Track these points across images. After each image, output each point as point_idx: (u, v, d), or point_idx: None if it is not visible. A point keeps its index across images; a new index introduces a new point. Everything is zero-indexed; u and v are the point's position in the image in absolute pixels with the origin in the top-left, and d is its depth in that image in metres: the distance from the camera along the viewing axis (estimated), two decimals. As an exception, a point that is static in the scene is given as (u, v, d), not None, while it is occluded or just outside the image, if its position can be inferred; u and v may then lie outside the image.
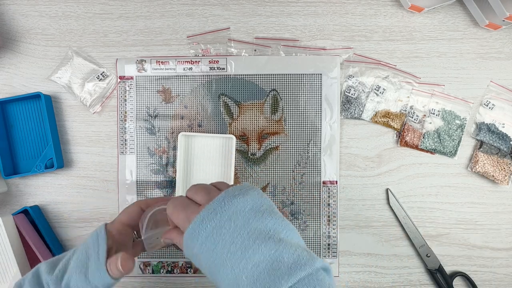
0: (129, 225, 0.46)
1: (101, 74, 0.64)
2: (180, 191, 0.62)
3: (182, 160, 0.62)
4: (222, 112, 0.64)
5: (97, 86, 0.64)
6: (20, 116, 0.65)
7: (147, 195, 0.65)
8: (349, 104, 0.64)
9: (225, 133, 0.64)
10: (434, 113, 0.64)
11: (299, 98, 0.64)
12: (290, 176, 0.64)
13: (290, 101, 0.64)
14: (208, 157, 0.64)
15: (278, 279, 0.30)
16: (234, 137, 0.61)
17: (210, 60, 0.64)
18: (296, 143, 0.64)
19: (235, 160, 0.63)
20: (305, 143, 0.64)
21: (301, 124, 0.64)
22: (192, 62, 0.64)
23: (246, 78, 0.64)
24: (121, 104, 0.65)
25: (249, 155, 0.64)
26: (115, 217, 0.47)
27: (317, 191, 0.64)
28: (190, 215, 0.35)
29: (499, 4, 0.58)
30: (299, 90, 0.64)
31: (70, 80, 0.64)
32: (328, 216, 0.64)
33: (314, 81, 0.64)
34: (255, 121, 0.64)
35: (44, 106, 0.62)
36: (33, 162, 0.65)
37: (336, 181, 0.64)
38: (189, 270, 0.65)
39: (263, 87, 0.64)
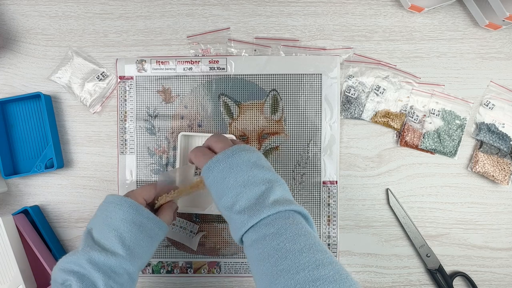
0: (146, 200, 0.52)
1: (101, 74, 0.64)
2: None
3: (182, 160, 0.62)
4: (222, 112, 0.64)
5: (97, 86, 0.64)
6: (20, 116, 0.65)
7: (147, 195, 0.65)
8: (349, 104, 0.64)
9: (225, 133, 0.64)
10: (434, 113, 0.64)
11: (299, 98, 0.64)
12: (290, 176, 0.64)
13: (290, 101, 0.64)
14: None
15: (262, 208, 0.41)
16: (234, 137, 0.61)
17: (210, 60, 0.64)
18: (296, 143, 0.64)
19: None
20: (305, 143, 0.64)
21: (301, 124, 0.64)
22: (192, 62, 0.64)
23: (246, 78, 0.64)
24: (121, 104, 0.65)
25: (249, 155, 0.64)
26: (135, 191, 0.52)
27: (317, 191, 0.64)
28: (207, 158, 0.46)
29: (499, 4, 0.58)
30: (299, 90, 0.64)
31: (70, 80, 0.64)
32: (328, 216, 0.64)
33: (314, 81, 0.64)
34: (255, 121, 0.64)
35: (44, 106, 0.62)
36: (33, 162, 0.65)
37: (336, 181, 0.64)
38: (189, 270, 0.65)
39: (263, 87, 0.64)
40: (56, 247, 0.64)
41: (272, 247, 0.39)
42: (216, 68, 0.64)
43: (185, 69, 0.64)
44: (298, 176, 0.64)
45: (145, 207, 0.50)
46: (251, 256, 0.41)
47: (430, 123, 0.64)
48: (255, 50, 0.65)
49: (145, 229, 0.48)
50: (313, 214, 0.64)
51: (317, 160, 0.64)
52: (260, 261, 0.39)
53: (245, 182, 0.43)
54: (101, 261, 0.45)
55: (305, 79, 0.64)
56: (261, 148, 0.64)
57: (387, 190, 0.65)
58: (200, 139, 0.64)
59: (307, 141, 0.64)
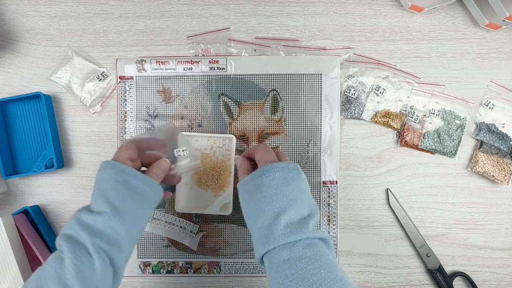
0: (130, 159, 0.50)
1: (101, 74, 0.64)
2: (180, 191, 0.62)
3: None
4: (222, 112, 0.64)
5: (97, 86, 0.64)
6: (20, 116, 0.65)
7: (147, 195, 0.65)
8: (349, 104, 0.64)
9: (225, 133, 0.64)
10: (434, 113, 0.64)
11: (299, 98, 0.64)
12: (290, 176, 0.64)
13: (290, 101, 0.64)
14: (208, 157, 0.63)
15: (304, 229, 0.43)
16: (234, 137, 0.61)
17: (210, 60, 0.64)
18: (296, 143, 0.64)
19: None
20: (305, 143, 0.64)
21: (301, 124, 0.64)
22: (192, 62, 0.64)
23: (246, 78, 0.64)
24: (121, 104, 0.65)
25: (249, 155, 0.64)
26: (115, 154, 0.49)
27: (317, 191, 0.64)
28: (246, 172, 0.50)
29: (499, 4, 0.58)
30: (299, 90, 0.64)
31: (70, 80, 0.64)
32: (328, 216, 0.64)
33: (314, 81, 0.64)
34: (255, 121, 0.64)
35: (44, 106, 0.62)
36: (33, 162, 0.65)
37: (336, 181, 0.64)
38: (189, 270, 0.65)
39: (263, 87, 0.64)
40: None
41: (308, 271, 0.40)
42: (216, 68, 0.64)
43: (185, 69, 0.64)
44: (298, 176, 0.64)
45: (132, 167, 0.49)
46: (280, 272, 0.42)
47: (430, 123, 0.64)
48: (255, 50, 0.65)
49: (130, 186, 0.46)
50: (313, 214, 0.64)
51: (317, 160, 0.64)
52: (292, 281, 0.40)
53: (294, 198, 0.45)
54: (88, 221, 0.44)
55: (305, 79, 0.64)
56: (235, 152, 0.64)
57: (387, 190, 0.65)
58: (200, 139, 0.63)
59: (307, 141, 0.64)
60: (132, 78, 0.65)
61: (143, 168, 0.53)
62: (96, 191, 0.47)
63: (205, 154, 0.63)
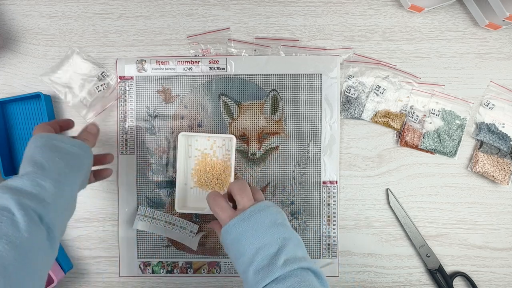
0: (49, 128, 0.50)
1: (101, 74, 0.64)
2: (180, 191, 0.62)
3: (183, 161, 0.62)
4: (222, 112, 0.64)
5: (97, 86, 0.64)
6: (20, 116, 0.65)
7: (147, 195, 0.65)
8: (349, 104, 0.64)
9: (225, 133, 0.64)
10: (434, 113, 0.64)
11: (299, 98, 0.64)
12: (290, 176, 0.64)
13: (290, 101, 0.64)
14: (208, 157, 0.64)
15: (273, 269, 0.42)
16: (234, 137, 0.61)
17: (210, 60, 0.64)
18: (296, 143, 0.64)
19: (235, 160, 0.63)
20: (305, 143, 0.64)
21: (301, 124, 0.64)
22: (192, 62, 0.64)
23: (246, 78, 0.64)
24: (121, 104, 0.65)
25: (249, 155, 0.64)
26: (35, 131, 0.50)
27: (317, 191, 0.64)
28: (226, 218, 0.48)
29: (499, 4, 0.58)
30: (299, 90, 0.64)
31: (70, 80, 0.64)
32: (328, 216, 0.64)
33: (314, 81, 0.64)
34: (255, 121, 0.64)
35: (44, 106, 0.62)
36: (33, 162, 0.65)
37: (336, 181, 0.64)
38: (189, 270, 0.65)
39: (263, 87, 0.64)
40: (56, 247, 0.64)
41: None
42: (216, 68, 0.64)
43: (185, 69, 0.64)
44: (298, 176, 0.64)
45: None
46: None
47: (430, 123, 0.64)
48: (255, 50, 0.65)
49: (59, 149, 0.46)
50: (313, 214, 0.64)
51: (317, 160, 0.64)
52: None
53: (260, 244, 0.44)
54: (13, 183, 0.42)
55: (305, 79, 0.64)
56: (261, 148, 0.64)
57: (387, 190, 0.65)
58: (200, 138, 0.64)
59: (307, 141, 0.64)
60: (132, 78, 0.65)
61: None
62: (24, 158, 0.46)
63: (205, 154, 0.63)
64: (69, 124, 0.57)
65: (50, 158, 0.45)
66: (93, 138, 0.54)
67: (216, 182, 0.63)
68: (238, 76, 0.64)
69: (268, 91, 0.64)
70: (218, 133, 0.64)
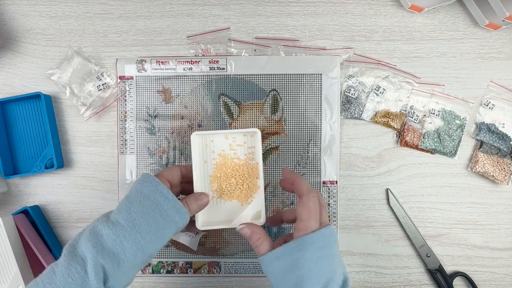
0: (169, 181, 0.49)
1: (101, 74, 0.64)
2: (198, 189, 0.52)
3: (199, 167, 0.52)
4: (222, 112, 0.64)
5: (96, 86, 0.64)
6: (20, 116, 0.65)
7: (147, 195, 0.65)
8: (349, 104, 0.64)
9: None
10: (434, 113, 0.64)
11: (299, 98, 0.64)
12: (290, 176, 0.64)
13: (290, 101, 0.64)
14: (228, 160, 0.53)
15: None
16: (258, 131, 0.50)
17: (210, 60, 0.64)
18: (296, 143, 0.64)
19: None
20: (305, 143, 0.64)
21: (301, 124, 0.64)
22: (192, 62, 0.64)
23: (246, 78, 0.64)
24: (121, 104, 0.65)
25: (249, 155, 0.64)
26: (158, 173, 0.49)
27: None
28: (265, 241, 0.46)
29: (499, 4, 0.58)
30: (299, 90, 0.64)
31: (70, 80, 0.64)
32: (328, 216, 0.64)
33: (314, 81, 0.64)
34: (255, 121, 0.64)
35: (44, 106, 0.62)
36: (33, 162, 0.65)
37: (336, 181, 0.64)
38: (189, 270, 0.65)
39: (263, 87, 0.64)
40: (56, 247, 0.64)
41: None
42: (216, 68, 0.64)
43: (185, 69, 0.64)
44: (298, 176, 0.64)
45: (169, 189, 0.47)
46: None
47: (430, 123, 0.64)
48: (255, 50, 0.65)
49: (159, 207, 0.44)
50: (313, 214, 0.64)
51: (317, 160, 0.64)
52: None
53: (332, 272, 0.42)
54: (101, 231, 0.42)
55: (305, 79, 0.64)
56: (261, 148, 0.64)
57: (387, 190, 0.65)
58: (216, 138, 0.53)
59: (307, 141, 0.64)
60: (132, 78, 0.65)
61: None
62: (125, 198, 0.46)
63: (224, 156, 0.53)
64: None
65: (145, 217, 0.43)
66: (198, 208, 0.49)
67: (241, 188, 0.52)
68: (238, 76, 0.64)
69: (268, 91, 0.64)
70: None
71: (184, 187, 0.52)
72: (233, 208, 0.53)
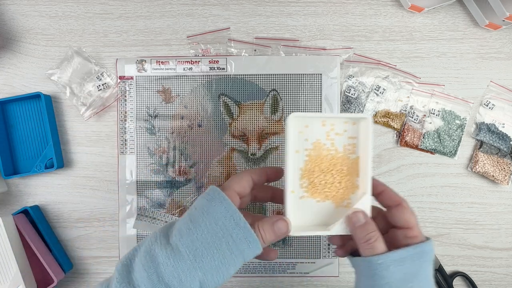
0: (239, 194, 0.41)
1: (101, 74, 0.64)
2: (292, 204, 0.42)
3: (292, 155, 0.42)
4: (222, 112, 0.64)
5: (96, 86, 0.64)
6: (20, 116, 0.65)
7: (147, 195, 0.65)
8: (349, 104, 0.64)
9: (225, 133, 0.64)
10: (434, 113, 0.64)
11: (299, 98, 0.64)
12: (290, 176, 0.64)
13: (290, 101, 0.64)
14: (324, 150, 0.44)
15: None
16: (369, 118, 0.42)
17: (210, 60, 0.64)
18: (296, 143, 0.64)
19: (235, 159, 0.63)
20: (305, 143, 0.64)
21: (301, 124, 0.64)
22: (192, 62, 0.64)
23: (246, 78, 0.64)
24: (121, 104, 0.65)
25: (249, 155, 0.64)
26: (226, 183, 0.41)
27: (317, 191, 0.64)
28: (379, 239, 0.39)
29: (499, 4, 0.58)
30: (299, 90, 0.64)
31: (70, 80, 0.64)
32: (328, 216, 0.64)
33: (314, 81, 0.64)
34: (255, 121, 0.64)
35: (44, 106, 0.62)
36: (33, 162, 0.65)
37: (336, 181, 0.64)
38: (189, 270, 0.65)
39: (263, 87, 0.64)
40: (56, 247, 0.64)
41: None
42: (216, 68, 0.64)
43: (185, 69, 0.64)
44: (298, 176, 0.64)
45: (241, 206, 0.41)
46: None
47: (430, 123, 0.64)
48: (255, 50, 0.65)
49: (226, 234, 0.37)
50: (313, 214, 0.64)
51: (317, 160, 0.64)
52: None
53: None
54: (159, 258, 0.37)
55: (305, 79, 0.64)
56: (261, 148, 0.64)
57: (387, 190, 0.65)
58: (312, 122, 0.43)
59: (307, 141, 0.64)
60: (132, 78, 0.65)
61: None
62: (188, 216, 0.39)
63: (319, 146, 0.43)
64: (279, 174, 0.46)
65: (209, 248, 0.37)
66: (274, 238, 0.40)
67: (338, 187, 0.43)
68: (238, 76, 0.64)
69: (268, 91, 0.64)
70: (218, 133, 0.64)
71: (255, 193, 0.46)
72: (326, 210, 0.44)
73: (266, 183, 0.46)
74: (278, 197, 0.46)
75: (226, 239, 0.37)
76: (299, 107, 0.64)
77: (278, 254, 0.53)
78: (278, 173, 0.45)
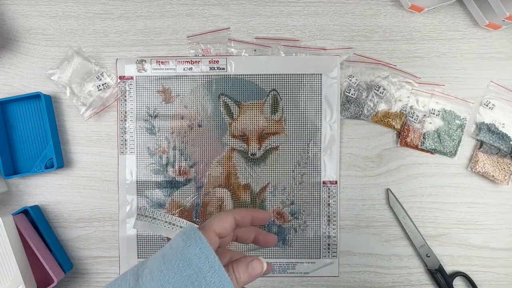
0: (219, 235, 0.40)
1: (101, 74, 0.64)
2: None
3: None
4: (222, 112, 0.64)
5: (96, 86, 0.64)
6: (20, 116, 0.65)
7: (147, 195, 0.65)
8: (349, 104, 0.64)
9: (225, 133, 0.64)
10: (434, 113, 0.64)
11: (299, 98, 0.64)
12: (290, 176, 0.64)
13: (290, 101, 0.64)
14: None
15: None
16: None
17: (210, 60, 0.64)
18: (296, 143, 0.64)
19: (235, 159, 0.63)
20: (305, 143, 0.64)
21: (301, 124, 0.64)
22: (192, 62, 0.64)
23: (246, 78, 0.64)
24: (121, 104, 0.65)
25: (249, 155, 0.64)
26: (206, 222, 0.40)
27: (317, 191, 0.64)
28: None
29: (499, 4, 0.58)
30: (299, 90, 0.64)
31: (70, 80, 0.64)
32: (328, 216, 0.64)
33: (314, 81, 0.64)
34: (255, 121, 0.64)
35: (44, 106, 0.62)
36: (33, 162, 0.65)
37: (336, 181, 0.64)
38: (189, 270, 0.65)
39: (263, 87, 0.64)
40: (56, 247, 0.64)
41: None
42: (216, 68, 0.64)
43: (185, 69, 0.64)
44: (298, 176, 0.64)
45: (221, 245, 0.40)
46: None
47: (430, 123, 0.64)
48: (255, 50, 0.65)
49: (199, 278, 0.35)
50: (313, 214, 0.64)
51: (317, 160, 0.64)
52: None
53: None
54: None
55: (305, 79, 0.64)
56: (261, 148, 0.64)
57: (387, 190, 0.65)
58: None
59: (307, 141, 0.64)
60: (132, 78, 0.65)
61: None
62: (161, 255, 0.37)
63: None
64: (265, 219, 0.45)
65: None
66: (248, 280, 0.38)
67: None
68: (238, 76, 0.64)
69: (268, 91, 0.64)
70: (218, 133, 0.64)
71: (238, 234, 0.44)
72: None
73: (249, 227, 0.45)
74: (262, 240, 0.46)
75: (199, 282, 0.35)
76: (299, 107, 0.64)
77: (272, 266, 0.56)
78: (265, 218, 0.45)
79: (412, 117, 0.64)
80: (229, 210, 0.44)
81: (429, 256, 0.64)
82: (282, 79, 0.64)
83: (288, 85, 0.64)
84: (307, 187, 0.64)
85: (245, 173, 0.64)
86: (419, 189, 0.65)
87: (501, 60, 0.65)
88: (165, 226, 0.64)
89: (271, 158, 0.64)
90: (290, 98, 0.64)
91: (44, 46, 0.65)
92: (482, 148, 0.64)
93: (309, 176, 0.64)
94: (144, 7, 0.65)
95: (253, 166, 0.64)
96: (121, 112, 0.65)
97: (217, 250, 0.38)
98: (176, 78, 0.64)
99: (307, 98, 0.64)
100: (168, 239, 0.65)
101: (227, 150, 0.64)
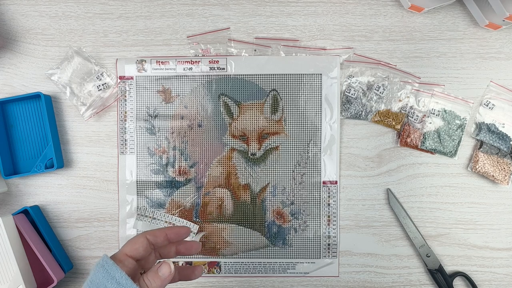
0: (132, 257, 0.43)
1: (101, 74, 0.64)
2: None
3: None
4: (222, 112, 0.64)
5: (96, 86, 0.64)
6: (20, 116, 0.65)
7: (147, 195, 0.65)
8: (349, 104, 0.64)
9: (225, 133, 0.64)
10: (434, 113, 0.64)
11: (299, 98, 0.64)
12: (290, 176, 0.64)
13: (290, 101, 0.64)
14: None
15: None
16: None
17: (210, 60, 0.64)
18: (296, 143, 0.64)
19: (235, 159, 0.63)
20: (305, 143, 0.64)
21: (301, 124, 0.64)
22: (192, 62, 0.64)
23: (246, 78, 0.64)
24: (121, 104, 0.65)
25: (249, 155, 0.64)
26: (121, 248, 0.44)
27: (317, 191, 0.64)
28: None
29: (499, 4, 0.58)
30: (299, 90, 0.64)
31: (70, 80, 0.64)
32: (328, 216, 0.64)
33: (314, 81, 0.64)
34: (255, 121, 0.64)
35: (44, 106, 0.62)
36: (33, 162, 0.65)
37: (336, 181, 0.64)
38: (189, 270, 0.65)
39: (263, 87, 0.64)
40: (56, 247, 0.64)
41: None
42: (216, 68, 0.64)
43: (185, 69, 0.64)
44: (298, 176, 0.64)
45: (144, 266, 0.44)
46: None
47: (430, 123, 0.64)
48: (255, 50, 0.65)
49: None
50: (313, 214, 0.64)
51: (317, 160, 0.64)
52: None
53: None
54: None
55: (305, 79, 0.64)
56: (261, 148, 0.64)
57: (387, 190, 0.65)
58: None
59: (307, 141, 0.64)
60: (132, 78, 0.65)
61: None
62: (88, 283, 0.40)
63: None
64: (181, 235, 0.47)
65: None
66: (160, 284, 0.41)
67: None
68: (238, 76, 0.64)
69: (268, 91, 0.64)
70: (218, 133, 0.64)
71: (160, 251, 0.47)
72: None
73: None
74: (183, 249, 0.48)
75: None
76: (299, 107, 0.64)
77: (203, 271, 0.59)
78: (181, 233, 0.46)
79: (412, 117, 0.64)
80: (143, 232, 0.46)
81: (429, 256, 0.64)
82: (282, 79, 0.64)
83: (288, 85, 0.64)
84: (307, 187, 0.64)
85: (245, 173, 0.64)
86: (419, 189, 0.65)
87: (501, 60, 0.65)
88: (165, 226, 0.64)
89: (271, 158, 0.64)
90: (290, 98, 0.64)
91: (44, 46, 0.65)
92: (482, 148, 0.64)
93: (309, 176, 0.64)
94: (144, 7, 0.65)
95: (253, 166, 0.64)
96: (121, 112, 0.65)
97: (140, 272, 0.43)
98: (176, 78, 0.65)
99: (307, 98, 0.64)
100: (168, 239, 0.65)
101: (227, 150, 0.64)
